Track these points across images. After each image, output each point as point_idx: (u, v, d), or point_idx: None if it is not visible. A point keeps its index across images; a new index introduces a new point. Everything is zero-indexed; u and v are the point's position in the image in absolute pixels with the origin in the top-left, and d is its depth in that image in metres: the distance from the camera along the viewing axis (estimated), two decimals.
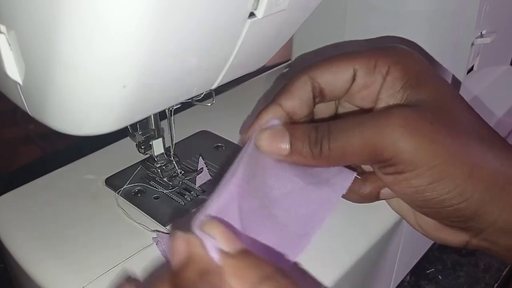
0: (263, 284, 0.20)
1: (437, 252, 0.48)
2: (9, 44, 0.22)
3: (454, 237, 0.30)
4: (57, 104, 0.23)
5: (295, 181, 0.28)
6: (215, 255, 0.21)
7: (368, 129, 0.27)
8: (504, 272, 0.46)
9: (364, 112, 0.31)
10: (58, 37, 0.19)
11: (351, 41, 0.44)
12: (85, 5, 0.18)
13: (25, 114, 0.25)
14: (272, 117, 0.29)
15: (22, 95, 0.24)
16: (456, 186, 0.27)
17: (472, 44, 0.47)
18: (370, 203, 0.34)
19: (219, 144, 0.40)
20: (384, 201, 0.34)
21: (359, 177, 0.30)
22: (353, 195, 0.31)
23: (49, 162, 0.39)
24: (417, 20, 0.41)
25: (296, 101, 0.30)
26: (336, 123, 0.28)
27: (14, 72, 0.22)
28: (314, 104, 0.31)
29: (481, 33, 0.47)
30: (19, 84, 0.23)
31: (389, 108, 0.29)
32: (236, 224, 0.24)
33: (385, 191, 0.31)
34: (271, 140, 0.28)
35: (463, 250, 0.49)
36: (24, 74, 0.22)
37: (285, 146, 0.28)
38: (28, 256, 0.31)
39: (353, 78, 0.30)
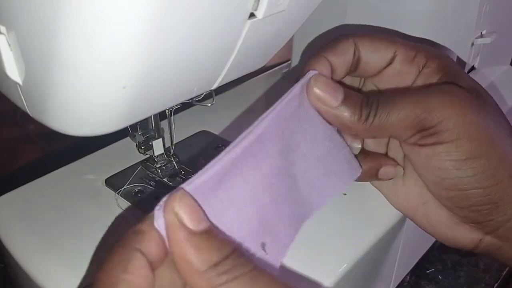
0: (218, 266, 0.19)
1: (437, 252, 0.48)
2: (9, 45, 0.22)
3: (466, 236, 0.30)
4: (57, 104, 0.23)
5: (328, 147, 0.29)
6: (162, 231, 0.20)
7: (417, 96, 0.28)
8: (504, 272, 0.46)
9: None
10: (58, 37, 0.19)
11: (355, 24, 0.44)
12: (85, 5, 0.18)
13: (25, 114, 0.25)
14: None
15: (22, 96, 0.24)
16: (490, 167, 0.27)
17: (472, 44, 0.47)
18: (370, 203, 0.34)
19: (219, 144, 0.40)
20: (384, 201, 0.34)
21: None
22: None
23: (49, 162, 0.39)
24: (417, 20, 0.41)
25: (340, 59, 0.30)
26: (384, 93, 0.29)
27: (14, 72, 0.22)
28: (347, 73, 0.31)
29: (481, 33, 0.47)
30: (19, 85, 0.23)
31: (435, 84, 0.29)
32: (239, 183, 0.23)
33: (384, 169, 0.31)
34: (327, 87, 0.28)
35: (463, 250, 0.48)
36: (24, 74, 0.22)
37: (339, 98, 0.28)
38: (28, 256, 0.31)
39: (391, 61, 0.30)
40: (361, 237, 0.32)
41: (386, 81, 0.31)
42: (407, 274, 0.45)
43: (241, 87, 0.49)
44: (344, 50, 0.30)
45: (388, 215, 0.34)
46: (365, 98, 0.28)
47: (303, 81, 0.28)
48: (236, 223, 0.22)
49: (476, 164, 0.27)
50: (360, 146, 0.31)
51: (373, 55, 0.30)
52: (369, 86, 0.33)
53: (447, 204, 0.30)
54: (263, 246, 0.23)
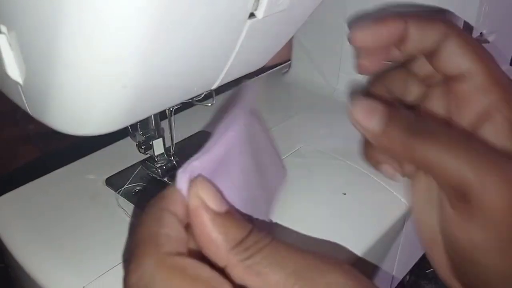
0: (243, 242, 0.20)
1: None
2: (10, 45, 0.22)
3: None
4: (57, 104, 0.23)
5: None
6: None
7: (471, 161, 0.23)
8: None
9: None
10: (59, 37, 0.19)
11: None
12: (85, 5, 0.18)
13: (25, 114, 0.25)
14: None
15: (22, 95, 0.24)
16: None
17: None
18: (370, 203, 0.34)
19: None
20: (384, 201, 0.35)
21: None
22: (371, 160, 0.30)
23: (49, 162, 0.39)
24: None
25: (387, 32, 0.27)
26: (441, 129, 0.25)
27: (14, 72, 0.22)
28: (395, 49, 0.28)
29: (480, 33, 0.47)
30: (19, 84, 0.23)
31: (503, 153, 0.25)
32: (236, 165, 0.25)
33: (385, 166, 0.30)
34: (367, 112, 0.26)
35: None
36: (25, 74, 0.22)
37: (379, 123, 0.25)
38: (28, 256, 0.31)
39: (439, 45, 0.27)
40: (360, 237, 0.32)
41: (443, 67, 0.27)
42: (406, 274, 0.45)
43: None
44: (393, 27, 0.27)
45: (387, 215, 0.34)
46: (410, 124, 0.25)
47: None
48: (231, 195, 0.24)
49: (503, 254, 0.24)
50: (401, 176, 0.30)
51: (424, 34, 0.27)
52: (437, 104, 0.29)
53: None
54: (250, 220, 0.25)
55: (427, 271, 0.46)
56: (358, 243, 0.32)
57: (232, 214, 0.21)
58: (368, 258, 0.33)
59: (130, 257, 0.20)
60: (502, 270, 0.24)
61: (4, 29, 0.21)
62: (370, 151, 0.30)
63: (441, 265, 0.28)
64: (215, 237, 0.20)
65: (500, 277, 0.25)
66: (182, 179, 0.22)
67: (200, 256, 0.21)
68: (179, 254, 0.20)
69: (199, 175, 0.22)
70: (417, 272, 0.46)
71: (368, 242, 0.32)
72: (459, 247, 0.25)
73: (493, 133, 0.26)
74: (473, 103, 0.26)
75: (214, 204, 0.21)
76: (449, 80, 0.28)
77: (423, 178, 0.29)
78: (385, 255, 0.37)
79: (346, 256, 0.31)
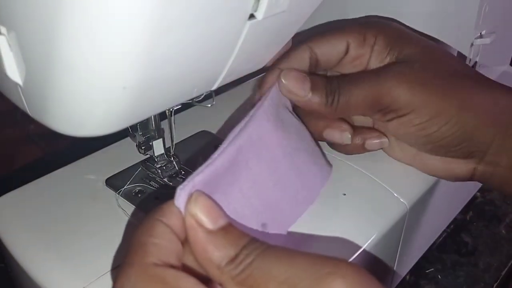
0: (236, 258, 0.21)
1: (437, 252, 0.48)
2: (10, 45, 0.22)
3: (461, 169, 0.34)
4: (57, 105, 0.23)
5: (309, 141, 0.33)
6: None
7: (370, 82, 0.32)
8: (504, 271, 0.47)
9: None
10: (59, 38, 0.19)
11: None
12: (86, 6, 0.18)
13: (25, 114, 0.25)
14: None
15: (22, 96, 0.24)
16: (451, 118, 0.31)
17: (472, 44, 0.47)
18: (369, 203, 0.34)
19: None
20: (384, 201, 0.34)
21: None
22: (342, 147, 0.35)
23: (49, 162, 0.38)
24: (416, 21, 0.41)
25: (294, 65, 0.33)
26: (344, 79, 0.33)
27: (14, 73, 0.22)
28: (309, 72, 0.34)
29: (480, 33, 0.47)
30: (19, 85, 0.23)
31: (382, 67, 0.33)
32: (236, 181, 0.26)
33: (369, 142, 0.35)
34: (295, 82, 0.32)
35: (463, 250, 0.49)
36: (25, 75, 0.22)
37: (306, 89, 0.32)
38: (28, 256, 0.31)
39: (346, 51, 0.34)
40: (360, 237, 0.32)
41: (347, 67, 0.35)
42: (406, 274, 0.46)
43: (241, 87, 0.49)
44: (297, 57, 0.34)
45: (387, 216, 0.34)
46: (328, 85, 0.32)
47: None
48: (239, 205, 0.25)
49: (437, 121, 0.31)
50: (348, 136, 0.35)
51: (330, 51, 0.34)
52: (334, 73, 0.36)
53: (431, 153, 0.34)
54: (264, 226, 0.26)
55: (427, 271, 0.46)
56: (358, 244, 0.32)
57: (227, 230, 0.22)
58: (368, 259, 0.33)
59: (121, 264, 0.21)
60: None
61: (3, 30, 0.21)
62: (313, 124, 0.35)
63: (434, 163, 0.35)
64: (208, 255, 0.21)
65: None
66: (181, 196, 0.22)
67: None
68: (166, 264, 0.20)
69: (196, 191, 0.22)
70: (417, 272, 0.46)
71: (368, 242, 0.32)
72: (423, 143, 0.33)
73: (376, 61, 0.34)
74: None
75: (208, 221, 0.21)
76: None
77: None
78: (385, 255, 0.37)
79: (346, 257, 0.31)
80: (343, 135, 0.34)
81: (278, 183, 0.28)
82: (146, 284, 0.20)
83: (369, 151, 0.36)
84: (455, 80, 0.32)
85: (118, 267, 0.28)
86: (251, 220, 0.25)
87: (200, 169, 0.23)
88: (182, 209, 0.22)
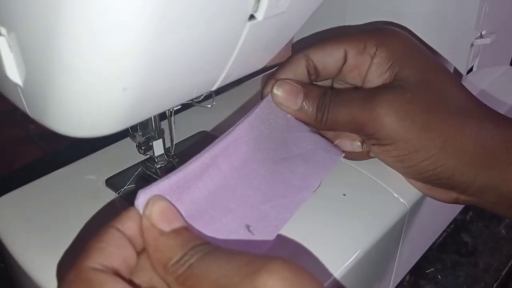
0: (181, 259, 0.21)
1: (437, 252, 0.48)
2: (10, 46, 0.22)
3: (444, 196, 0.34)
4: (57, 106, 0.23)
5: (305, 145, 0.33)
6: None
7: (356, 107, 0.32)
8: (504, 272, 0.47)
9: (357, 89, 0.35)
10: (59, 38, 0.19)
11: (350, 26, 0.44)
12: (87, 5, 0.18)
13: (25, 114, 0.25)
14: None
15: (22, 97, 0.24)
16: (431, 156, 0.31)
17: (472, 44, 0.47)
18: (369, 204, 0.34)
19: None
20: (383, 202, 0.35)
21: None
22: (348, 154, 0.35)
23: (49, 162, 0.38)
24: (416, 21, 0.41)
25: (290, 75, 0.33)
26: (336, 96, 0.32)
27: (14, 74, 0.22)
28: (310, 81, 0.34)
29: (480, 33, 0.47)
30: (19, 86, 0.23)
31: (374, 90, 0.32)
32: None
33: (339, 141, 0.35)
34: (287, 94, 0.32)
35: (463, 250, 0.49)
36: (25, 76, 0.22)
37: (298, 102, 0.32)
38: (28, 256, 0.31)
39: (345, 59, 0.33)
40: (360, 237, 0.32)
41: (348, 77, 0.34)
42: (406, 274, 0.46)
43: (241, 88, 0.49)
44: (293, 67, 0.34)
45: (387, 216, 0.34)
46: (321, 98, 0.32)
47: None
48: (218, 209, 0.26)
49: (415, 157, 0.31)
50: (359, 144, 0.35)
51: (327, 59, 0.34)
52: (340, 82, 0.36)
53: (413, 179, 0.34)
54: (247, 227, 0.26)
55: (427, 271, 0.46)
56: (358, 244, 0.32)
57: (179, 232, 0.23)
58: (368, 259, 0.33)
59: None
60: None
61: (3, 31, 0.21)
62: (323, 134, 0.35)
63: (417, 185, 0.35)
64: (157, 255, 0.22)
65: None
66: (140, 197, 0.23)
67: None
68: (108, 268, 0.21)
69: (156, 196, 0.23)
70: (417, 272, 0.46)
71: (368, 243, 0.32)
72: (403, 171, 0.34)
73: (375, 72, 0.33)
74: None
75: (162, 223, 0.22)
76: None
77: None
78: (385, 255, 0.37)
79: (346, 257, 0.31)
80: (353, 144, 0.35)
81: (256, 190, 0.28)
82: (76, 286, 0.20)
83: (373, 157, 0.35)
84: (444, 116, 0.31)
85: None
86: (230, 222, 0.26)
87: (168, 175, 0.24)
88: (140, 211, 0.23)
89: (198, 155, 0.26)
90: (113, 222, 0.23)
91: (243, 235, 0.26)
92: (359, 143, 0.35)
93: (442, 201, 0.35)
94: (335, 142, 0.35)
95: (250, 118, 0.30)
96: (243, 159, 0.29)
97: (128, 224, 0.23)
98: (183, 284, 0.21)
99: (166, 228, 0.22)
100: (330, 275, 0.29)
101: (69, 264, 0.22)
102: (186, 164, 0.25)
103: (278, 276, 0.19)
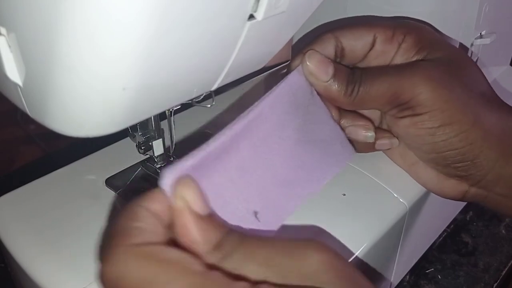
0: (221, 243, 0.21)
1: (437, 252, 0.48)
2: (9, 46, 0.22)
3: (453, 189, 0.34)
4: (57, 105, 0.23)
5: (325, 131, 0.32)
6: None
7: (393, 74, 0.31)
8: (504, 272, 0.47)
9: None
10: (59, 38, 0.19)
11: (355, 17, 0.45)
12: (87, 5, 0.18)
13: (25, 114, 0.25)
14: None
15: (22, 97, 0.24)
16: (462, 131, 0.31)
17: (472, 44, 0.47)
18: (369, 203, 0.34)
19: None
20: (383, 201, 0.35)
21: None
22: (357, 145, 0.35)
23: (49, 162, 0.39)
24: (416, 21, 0.41)
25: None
26: (367, 71, 0.32)
27: (14, 74, 0.22)
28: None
29: (480, 33, 0.47)
30: (19, 86, 0.23)
31: (410, 62, 0.33)
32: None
33: (379, 142, 0.35)
34: (319, 63, 0.32)
35: (463, 250, 0.49)
36: (24, 75, 0.22)
37: (329, 73, 0.31)
38: (28, 257, 0.31)
39: (372, 44, 0.33)
40: (360, 237, 0.32)
41: (372, 63, 0.34)
42: (406, 274, 0.46)
43: (241, 87, 0.49)
44: (322, 46, 0.33)
45: (387, 216, 0.34)
46: (351, 74, 0.32)
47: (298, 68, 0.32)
48: (227, 192, 0.25)
49: (448, 130, 0.31)
50: (373, 134, 0.34)
51: (356, 42, 0.33)
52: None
53: (430, 164, 0.34)
54: (255, 214, 0.26)
55: (427, 271, 0.46)
56: (358, 244, 0.32)
57: (212, 216, 0.22)
58: (368, 259, 0.33)
59: (103, 251, 0.21)
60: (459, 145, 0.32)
61: (3, 31, 0.21)
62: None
63: (428, 177, 0.35)
64: (196, 240, 0.21)
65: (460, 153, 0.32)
66: (167, 179, 0.22)
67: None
68: (151, 244, 0.21)
69: (186, 176, 0.22)
70: (417, 272, 0.46)
71: (368, 242, 0.32)
72: (428, 150, 0.33)
73: (402, 57, 0.34)
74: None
75: (198, 207, 0.22)
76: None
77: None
78: (385, 255, 0.37)
79: (346, 257, 0.31)
80: (367, 133, 0.34)
81: (272, 174, 0.28)
82: (136, 263, 0.20)
83: (377, 150, 0.36)
84: (474, 94, 0.32)
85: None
86: (240, 207, 0.25)
87: (191, 154, 0.23)
88: (168, 192, 0.22)
89: (220, 132, 0.25)
90: (140, 201, 0.22)
91: (250, 221, 0.25)
92: (373, 133, 0.34)
93: (449, 197, 0.35)
94: (347, 130, 0.34)
95: (277, 92, 0.29)
96: (262, 137, 0.28)
97: (154, 204, 0.22)
98: (226, 266, 0.21)
99: (201, 211, 0.22)
100: None
101: (104, 247, 0.21)
102: (208, 142, 0.24)
103: (326, 252, 0.21)
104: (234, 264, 0.21)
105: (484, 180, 0.32)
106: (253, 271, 0.20)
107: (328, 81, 0.31)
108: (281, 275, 0.20)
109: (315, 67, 0.31)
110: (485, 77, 0.34)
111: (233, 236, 0.22)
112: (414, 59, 0.33)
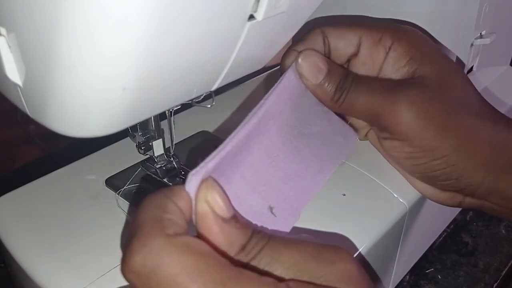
0: (245, 247, 0.21)
1: (437, 252, 0.48)
2: (9, 46, 0.22)
3: (448, 198, 0.34)
4: (57, 106, 0.23)
5: (323, 123, 0.32)
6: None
7: (376, 97, 0.31)
8: (504, 272, 0.47)
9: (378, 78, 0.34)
10: (59, 38, 0.19)
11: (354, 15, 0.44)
12: (87, 5, 0.18)
13: (25, 114, 0.25)
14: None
15: (22, 97, 0.24)
16: (443, 155, 0.31)
17: (472, 44, 0.47)
18: (369, 203, 0.34)
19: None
20: (383, 201, 0.35)
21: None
22: None
23: (49, 162, 0.39)
24: (416, 21, 0.41)
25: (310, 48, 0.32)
26: (358, 81, 0.32)
27: (14, 74, 0.22)
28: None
29: (480, 33, 0.47)
30: (19, 86, 0.23)
31: (396, 83, 0.32)
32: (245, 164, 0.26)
33: (370, 134, 0.35)
34: (311, 66, 0.31)
35: (463, 250, 0.49)
36: (24, 76, 0.22)
37: (319, 77, 0.31)
38: (28, 257, 0.31)
39: (358, 48, 0.33)
40: (360, 237, 0.32)
41: (360, 69, 0.33)
42: (406, 274, 0.46)
43: (241, 87, 0.49)
44: (312, 41, 0.33)
45: (387, 216, 0.34)
46: (342, 80, 0.32)
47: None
48: (242, 190, 0.25)
49: (428, 155, 0.31)
50: (364, 134, 0.35)
51: (340, 42, 0.33)
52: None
53: (419, 179, 0.34)
54: (270, 209, 0.26)
55: (427, 271, 0.46)
56: (358, 244, 0.32)
57: (237, 219, 0.22)
58: (368, 259, 0.33)
59: (130, 239, 0.20)
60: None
61: (3, 31, 0.21)
62: None
63: (422, 187, 0.35)
64: (221, 244, 0.21)
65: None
66: (192, 181, 0.22)
67: None
68: (185, 236, 0.21)
69: (209, 178, 0.22)
70: (417, 272, 0.46)
71: (368, 243, 0.32)
72: (410, 171, 0.34)
73: (392, 67, 0.33)
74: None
75: (222, 210, 0.21)
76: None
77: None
78: (385, 255, 0.37)
79: None
80: (359, 133, 0.35)
81: (282, 170, 0.28)
82: (174, 253, 0.19)
83: (366, 140, 0.36)
84: (462, 118, 0.31)
85: (118, 266, 0.28)
86: (255, 204, 0.25)
87: (212, 154, 0.23)
88: (192, 194, 0.22)
89: (235, 131, 0.25)
90: (169, 194, 0.22)
91: (267, 217, 0.26)
92: (364, 133, 0.35)
93: (446, 205, 0.35)
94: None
95: (278, 90, 0.29)
96: (269, 134, 0.28)
97: (181, 202, 0.22)
98: (253, 269, 0.21)
99: (225, 215, 0.22)
100: None
101: (133, 234, 0.20)
102: (226, 141, 0.24)
103: (352, 263, 0.21)
104: (261, 267, 0.21)
105: (476, 193, 0.32)
106: (281, 274, 0.21)
107: (317, 84, 0.31)
108: (308, 279, 0.21)
109: (307, 68, 0.31)
110: (476, 91, 0.33)
111: (259, 238, 0.22)
112: (405, 70, 0.32)
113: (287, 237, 0.22)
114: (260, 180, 0.26)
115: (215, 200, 0.21)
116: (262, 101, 0.28)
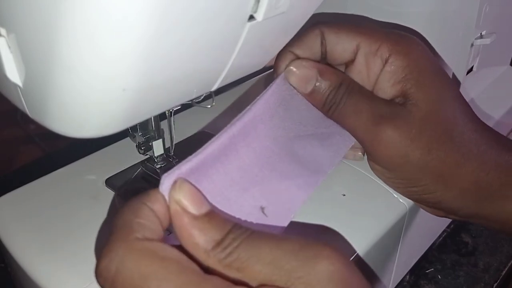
0: (222, 242, 0.21)
1: (437, 252, 0.48)
2: (9, 47, 0.22)
3: (433, 212, 0.34)
4: (57, 106, 0.23)
5: (320, 125, 0.32)
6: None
7: (361, 124, 0.31)
8: (504, 272, 0.47)
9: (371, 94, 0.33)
10: (58, 39, 0.19)
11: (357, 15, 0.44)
12: (87, 5, 0.18)
13: (25, 114, 0.25)
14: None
15: (22, 97, 0.24)
16: (421, 185, 0.31)
17: (472, 44, 0.47)
18: (369, 204, 0.34)
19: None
20: (383, 201, 0.35)
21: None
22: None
23: (49, 162, 0.39)
24: (416, 21, 0.41)
25: (306, 52, 0.32)
26: (350, 96, 0.31)
27: (14, 74, 0.22)
28: (322, 61, 0.33)
29: (480, 33, 0.47)
30: (19, 86, 0.23)
31: (383, 112, 0.31)
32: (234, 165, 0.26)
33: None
34: (300, 77, 0.31)
35: (463, 250, 0.49)
36: (24, 76, 0.22)
37: (308, 88, 0.31)
38: (28, 257, 0.31)
39: (354, 54, 0.32)
40: (360, 238, 0.32)
41: (356, 76, 0.33)
42: (406, 274, 0.46)
43: (241, 88, 0.49)
44: (310, 43, 0.32)
45: (387, 216, 0.34)
46: (332, 93, 0.31)
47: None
48: (234, 191, 0.25)
49: (405, 181, 0.32)
50: (361, 154, 0.35)
51: (337, 47, 0.32)
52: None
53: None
54: (262, 209, 0.26)
55: (427, 271, 0.47)
56: (358, 244, 0.32)
57: (211, 215, 0.22)
58: (368, 259, 0.33)
59: (103, 244, 0.21)
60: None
61: (3, 31, 0.21)
62: None
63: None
64: (195, 240, 0.21)
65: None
66: (165, 183, 0.23)
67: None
68: (151, 240, 0.21)
69: (180, 179, 0.23)
70: (417, 272, 0.46)
71: (368, 243, 0.32)
72: (391, 185, 0.34)
73: (387, 82, 0.32)
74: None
75: (192, 207, 0.22)
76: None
77: None
78: (385, 255, 0.37)
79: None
80: (356, 154, 0.35)
81: (275, 171, 0.28)
82: (135, 257, 0.20)
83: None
84: (444, 154, 0.30)
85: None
86: (245, 205, 0.26)
87: (188, 158, 0.24)
88: (166, 196, 0.22)
89: (217, 135, 0.26)
90: (143, 199, 0.22)
91: (257, 217, 0.26)
92: (361, 154, 0.35)
93: (438, 216, 0.35)
94: None
95: (267, 95, 0.30)
96: (259, 137, 0.28)
97: (156, 205, 0.22)
98: (229, 266, 0.20)
99: (197, 212, 0.22)
100: None
101: (104, 241, 0.21)
102: (206, 145, 0.25)
103: (337, 262, 0.20)
104: (238, 263, 0.20)
105: (459, 214, 0.33)
106: (259, 271, 0.20)
107: (308, 93, 0.31)
108: (286, 279, 0.20)
109: (296, 79, 0.31)
110: (467, 116, 0.32)
111: (238, 233, 0.21)
112: (398, 87, 0.31)
113: (271, 233, 0.22)
114: (252, 181, 0.27)
115: (185, 197, 0.22)
116: (248, 107, 0.28)
